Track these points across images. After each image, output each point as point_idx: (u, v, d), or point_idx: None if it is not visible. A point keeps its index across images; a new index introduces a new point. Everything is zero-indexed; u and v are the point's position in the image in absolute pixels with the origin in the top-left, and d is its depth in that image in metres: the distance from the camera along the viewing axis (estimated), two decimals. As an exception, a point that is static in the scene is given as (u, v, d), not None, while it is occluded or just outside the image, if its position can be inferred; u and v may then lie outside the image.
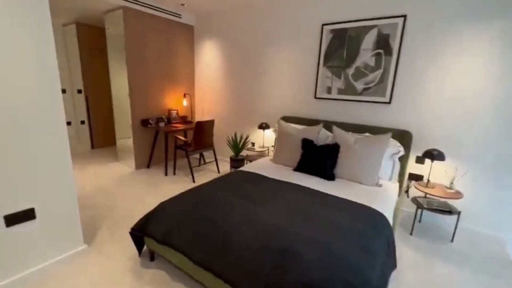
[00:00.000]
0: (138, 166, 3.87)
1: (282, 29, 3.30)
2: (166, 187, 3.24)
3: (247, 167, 2.63)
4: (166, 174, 3.64)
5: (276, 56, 3.41)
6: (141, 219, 1.78)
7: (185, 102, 4.23)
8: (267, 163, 2.79)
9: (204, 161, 4.22)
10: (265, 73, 3.56)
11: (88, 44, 4.50)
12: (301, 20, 3.13)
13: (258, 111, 3.73)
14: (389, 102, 2.68)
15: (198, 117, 4.55)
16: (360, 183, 2.29)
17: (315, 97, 3.17)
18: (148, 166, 3.95)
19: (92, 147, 4.89)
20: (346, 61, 2.88)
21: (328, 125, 2.93)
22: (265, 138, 3.68)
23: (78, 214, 1.85)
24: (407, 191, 2.65)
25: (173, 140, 3.94)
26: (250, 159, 3.41)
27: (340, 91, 2.97)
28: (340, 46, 2.89)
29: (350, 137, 2.43)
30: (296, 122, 3.23)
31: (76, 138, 5.14)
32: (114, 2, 3.23)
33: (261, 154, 3.60)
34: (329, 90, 3.05)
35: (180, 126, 3.75)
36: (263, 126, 3.48)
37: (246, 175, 2.35)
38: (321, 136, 2.72)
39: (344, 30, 2.83)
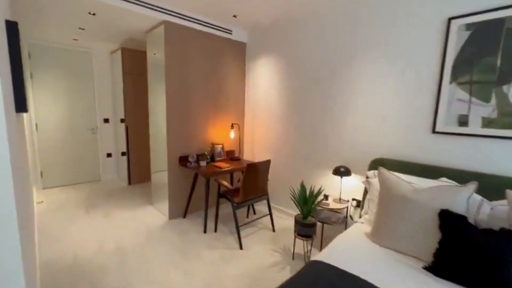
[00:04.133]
0: (172, 215, 3.06)
1: (369, 36, 2.29)
2: (201, 256, 2.30)
3: (328, 252, 1.55)
4: (205, 231, 2.73)
5: (361, 74, 2.38)
6: None
7: (232, 134, 3.41)
8: (360, 241, 1.67)
9: (254, 211, 3.24)
10: (343, 98, 2.54)
11: (130, 69, 4.13)
12: (403, 18, 2.08)
13: (332, 150, 2.66)
14: None
15: (247, 153, 3.66)
16: None
17: (434, 131, 1.99)
18: (185, 216, 3.11)
19: (129, 182, 4.34)
20: (502, 72, 1.69)
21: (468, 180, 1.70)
22: (343, 188, 2.56)
23: None
24: None
25: (216, 184, 3.09)
26: (323, 218, 2.31)
27: (488, 123, 1.76)
28: (488, 49, 1.73)
29: None
30: (398, 168, 2.07)
31: (115, 172, 4.69)
32: (155, 16, 2.66)
33: (338, 212, 2.47)
34: (463, 121, 1.86)
35: (225, 166, 2.88)
36: (341, 172, 2.39)
37: (327, 275, 1.27)
38: (471, 206, 1.51)
39: (497, 22, 1.69)
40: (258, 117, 3.47)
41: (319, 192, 2.17)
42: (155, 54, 3.24)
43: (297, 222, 2.17)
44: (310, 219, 2.16)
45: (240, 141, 3.58)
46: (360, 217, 2.18)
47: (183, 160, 3.03)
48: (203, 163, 2.96)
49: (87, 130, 4.31)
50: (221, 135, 3.43)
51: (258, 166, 2.52)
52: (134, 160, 4.33)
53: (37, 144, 3.87)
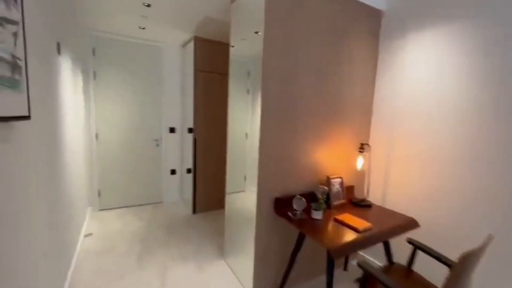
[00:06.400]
0: (258, 293, 1.86)
1: None
2: None
3: None
4: None
5: None
6: None
7: (360, 162, 2.04)
8: None
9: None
10: None
11: (203, 65, 3.19)
12: None
13: None
14: None
15: (375, 192, 2.23)
16: None
17: None
18: (278, 296, 1.87)
19: (194, 210, 3.39)
20: None
21: None
22: None
23: None
24: None
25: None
26: None
27: None
28: None
29: None
30: None
31: (179, 193, 3.83)
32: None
33: None
34: None
35: (363, 226, 1.53)
36: None
37: None
38: None
39: None
40: (402, 134, 2.03)
41: None
42: (233, 46, 2.20)
43: None
44: None
45: (368, 172, 2.17)
46: None
47: (282, 206, 1.80)
48: (317, 215, 1.67)
49: (150, 141, 3.56)
50: (338, 162, 2.10)
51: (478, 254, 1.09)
52: (201, 180, 3.37)
53: (96, 157, 3.23)
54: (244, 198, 2.26)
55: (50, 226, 1.46)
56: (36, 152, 1.25)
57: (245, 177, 2.30)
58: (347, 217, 1.66)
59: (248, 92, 2.44)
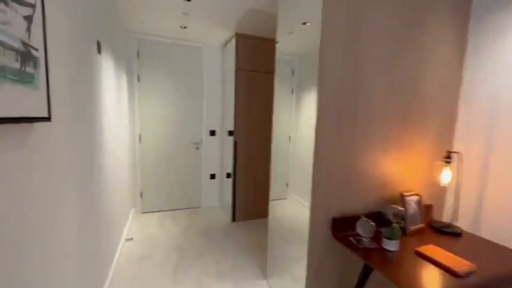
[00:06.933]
0: (309, 333, 1.52)
1: None
2: None
3: None
4: None
5: None
6: None
7: (448, 175, 1.57)
8: None
9: None
10: None
11: (247, 63, 2.97)
12: None
13: None
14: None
15: (465, 217, 1.72)
16: None
17: None
18: None
19: (233, 218, 3.18)
20: None
21: None
22: None
23: None
24: None
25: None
26: None
27: None
28: None
29: None
30: None
31: (218, 199, 3.67)
32: None
33: None
34: None
35: (459, 266, 1.10)
36: None
37: None
38: None
39: None
40: (505, 138, 1.51)
41: None
42: (277, 42, 1.95)
43: None
44: None
45: (456, 189, 1.68)
46: None
47: (341, 228, 1.45)
48: (391, 245, 1.28)
49: (190, 144, 3.47)
50: (411, 174, 1.66)
51: None
52: (241, 186, 3.15)
53: (139, 159, 3.23)
54: (286, 206, 2.07)
55: (83, 235, 1.34)
56: (63, 156, 1.12)
57: (287, 184, 2.10)
58: (433, 251, 1.24)
59: (292, 91, 2.19)
